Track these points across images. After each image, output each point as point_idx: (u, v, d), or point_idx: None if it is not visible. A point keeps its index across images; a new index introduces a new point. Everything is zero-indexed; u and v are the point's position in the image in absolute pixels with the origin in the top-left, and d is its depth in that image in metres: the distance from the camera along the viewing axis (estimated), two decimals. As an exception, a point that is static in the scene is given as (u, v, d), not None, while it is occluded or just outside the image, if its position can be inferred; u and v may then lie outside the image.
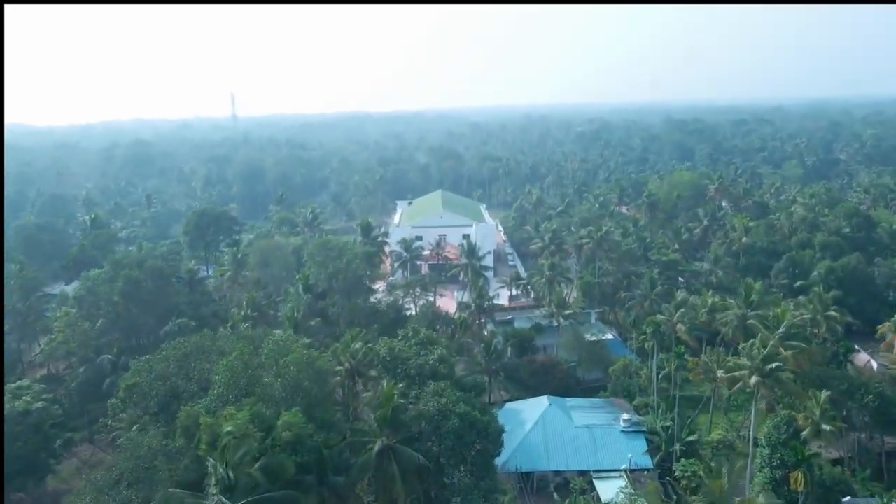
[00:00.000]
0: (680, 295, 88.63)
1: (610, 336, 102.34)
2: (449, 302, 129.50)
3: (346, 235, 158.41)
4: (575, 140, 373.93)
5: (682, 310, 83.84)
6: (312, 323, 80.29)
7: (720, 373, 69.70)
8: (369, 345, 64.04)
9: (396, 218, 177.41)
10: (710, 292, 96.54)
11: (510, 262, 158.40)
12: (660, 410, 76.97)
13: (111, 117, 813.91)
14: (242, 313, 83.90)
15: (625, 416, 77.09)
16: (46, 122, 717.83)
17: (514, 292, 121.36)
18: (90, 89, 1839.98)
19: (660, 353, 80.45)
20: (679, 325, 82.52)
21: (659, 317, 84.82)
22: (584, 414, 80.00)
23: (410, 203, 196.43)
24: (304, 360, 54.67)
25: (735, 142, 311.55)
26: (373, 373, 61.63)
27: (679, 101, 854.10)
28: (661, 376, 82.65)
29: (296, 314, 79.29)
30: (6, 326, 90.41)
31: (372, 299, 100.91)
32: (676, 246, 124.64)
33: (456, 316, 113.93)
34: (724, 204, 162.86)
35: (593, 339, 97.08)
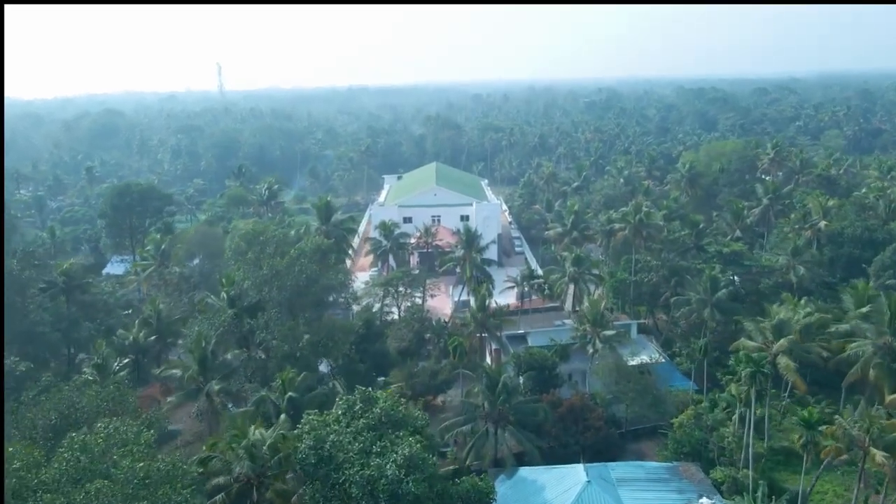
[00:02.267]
0: (780, 311, 60.70)
1: (660, 358, 75.24)
2: (443, 301, 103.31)
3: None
4: (584, 110, 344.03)
5: (791, 335, 56.09)
6: (230, 356, 52.98)
7: (880, 455, 42.40)
8: (282, 431, 36.60)
9: (382, 196, 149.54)
10: (804, 300, 69.18)
11: (517, 249, 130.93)
12: (758, 494, 50.06)
13: (101, 91, 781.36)
14: (131, 338, 56.53)
15: (704, 500, 50.36)
16: (34, 96, 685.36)
17: (525, 288, 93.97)
18: (83, 63, 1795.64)
19: (757, 400, 53.10)
20: (783, 359, 54.92)
21: (747, 342, 57.48)
22: (641, 493, 53.01)
23: (400, 178, 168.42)
24: (133, 479, 27.19)
25: (763, 110, 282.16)
26: (289, 483, 34.25)
27: (683, 75, 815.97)
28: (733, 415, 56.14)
29: (204, 344, 51.84)
30: None
31: (340, 304, 74.19)
32: (738, 232, 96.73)
33: (449, 323, 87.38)
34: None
35: (637, 361, 70.11)
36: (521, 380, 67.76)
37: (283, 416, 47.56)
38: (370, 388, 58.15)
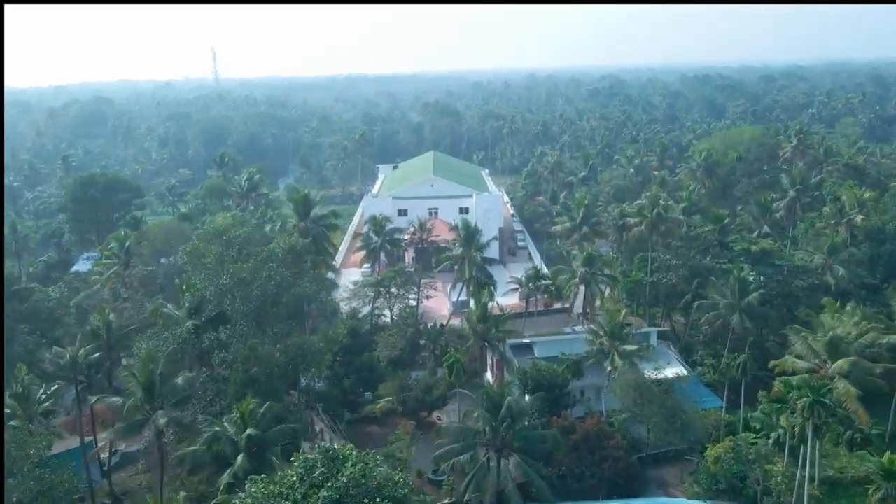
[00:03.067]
0: (836, 325, 51.88)
1: (682, 370, 66.65)
2: (440, 301, 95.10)
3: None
4: (588, 98, 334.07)
5: (852, 357, 47.30)
6: (180, 381, 44.29)
7: None
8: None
9: (376, 186, 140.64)
10: (849, 306, 60.57)
11: (520, 243, 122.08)
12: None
13: (98, 79, 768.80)
14: (68, 356, 47.83)
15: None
16: (28, 84, 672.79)
17: (530, 288, 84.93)
18: (81, 52, 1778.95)
19: (814, 434, 44.41)
20: (842, 383, 46.17)
21: (796, 362, 48.81)
22: (672, 544, 44.88)
23: (396, 167, 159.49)
24: None
25: (774, 97, 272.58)
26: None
27: (682, 63, 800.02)
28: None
29: (151, 366, 43.23)
30: None
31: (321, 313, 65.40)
32: (766, 228, 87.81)
33: (446, 327, 79.13)
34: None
35: (659, 376, 61.34)
36: (528, 398, 59.38)
37: (240, 458, 39.21)
38: (355, 402, 49.93)
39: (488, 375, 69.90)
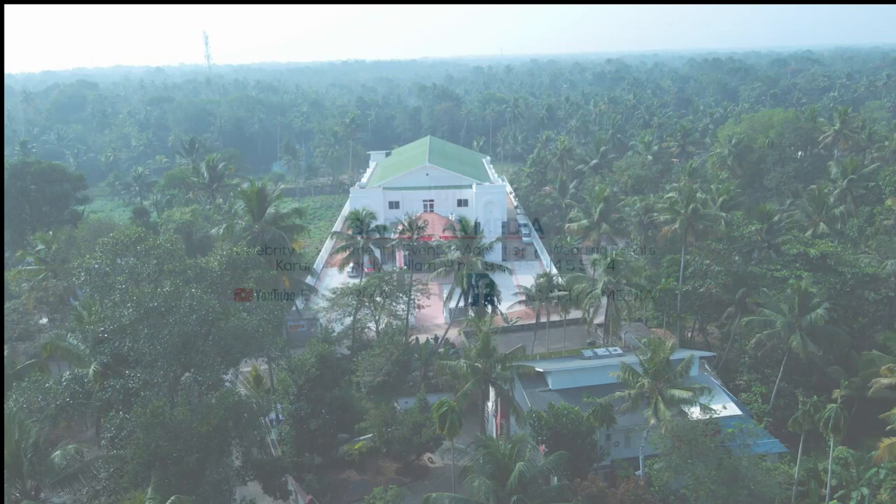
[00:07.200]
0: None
1: (732, 405, 53.54)
2: (435, 307, 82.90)
3: (289, 201, 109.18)
4: (593, 82, 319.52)
5: None
6: (57, 457, 31.19)
7: None
8: None
9: (366, 176, 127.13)
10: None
11: (524, 238, 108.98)
12: None
13: (93, 65, 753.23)
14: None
15: None
16: (19, 69, 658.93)
17: (540, 300, 71.27)
18: (78, 37, 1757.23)
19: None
20: None
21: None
22: None
23: (389, 155, 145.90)
24: None
25: (792, 80, 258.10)
26: None
27: (685, 49, 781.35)
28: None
29: (17, 437, 30.21)
30: None
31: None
32: (823, 226, 74.40)
33: (441, 342, 66.68)
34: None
35: (707, 415, 48.06)
36: (541, 449, 46.41)
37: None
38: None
39: (489, 409, 57.12)
